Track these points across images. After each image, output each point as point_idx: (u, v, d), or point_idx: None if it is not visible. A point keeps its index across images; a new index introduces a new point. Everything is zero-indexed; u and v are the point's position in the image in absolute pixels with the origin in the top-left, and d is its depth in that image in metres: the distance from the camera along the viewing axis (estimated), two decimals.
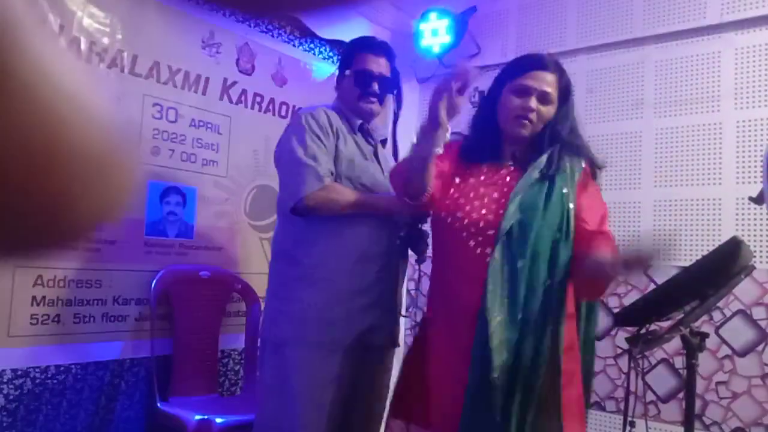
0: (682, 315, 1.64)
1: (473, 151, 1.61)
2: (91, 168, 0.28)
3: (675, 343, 2.28)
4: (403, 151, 3.29)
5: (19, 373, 1.96)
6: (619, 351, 2.60)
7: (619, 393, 2.57)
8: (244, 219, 2.64)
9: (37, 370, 2.00)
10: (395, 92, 2.07)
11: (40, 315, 2.02)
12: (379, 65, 1.91)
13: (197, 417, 1.99)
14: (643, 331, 1.65)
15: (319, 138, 1.76)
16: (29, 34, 0.24)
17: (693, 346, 1.62)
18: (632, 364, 1.69)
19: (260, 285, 2.48)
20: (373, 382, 1.87)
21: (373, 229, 1.79)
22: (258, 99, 2.69)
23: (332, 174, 1.76)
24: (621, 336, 2.65)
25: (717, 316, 2.36)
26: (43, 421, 2.00)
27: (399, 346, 1.96)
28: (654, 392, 2.46)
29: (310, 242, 1.77)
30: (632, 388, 2.11)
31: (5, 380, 1.92)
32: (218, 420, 2.00)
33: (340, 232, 1.76)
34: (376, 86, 1.89)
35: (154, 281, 2.26)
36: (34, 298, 2.00)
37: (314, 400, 1.69)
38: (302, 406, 1.68)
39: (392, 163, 2.07)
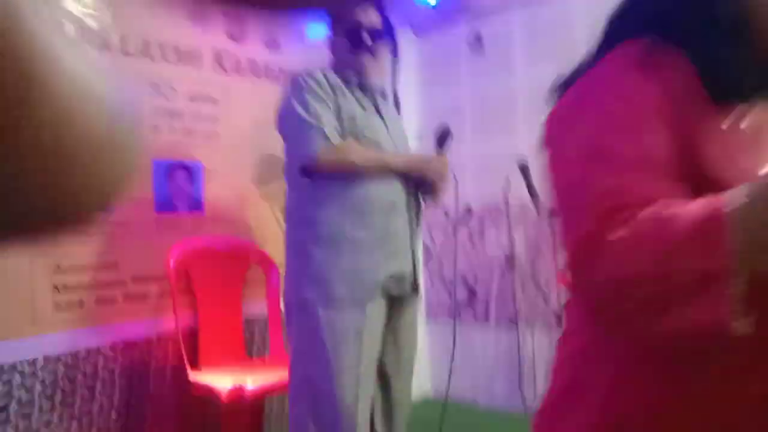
0: None
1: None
2: (97, 149, 0.28)
3: None
4: (405, 104, 3.26)
5: (51, 359, 2.01)
6: None
7: None
8: (252, 188, 2.64)
9: (68, 355, 2.05)
10: (391, 43, 2.03)
11: (63, 302, 2.05)
12: (369, 16, 1.87)
13: (230, 383, 2.03)
14: None
15: (320, 98, 1.75)
16: (27, 18, 0.23)
17: None
18: None
19: (276, 251, 2.50)
20: (401, 330, 1.90)
21: (384, 181, 1.79)
22: (252, 66, 2.66)
23: (339, 132, 1.75)
24: None
25: None
26: (80, 403, 2.06)
27: (420, 293, 1.96)
28: None
29: (322, 202, 1.77)
30: None
31: (39, 367, 1.97)
32: (250, 384, 2.04)
33: (350, 188, 1.75)
34: (367, 37, 1.86)
35: (171, 258, 2.28)
36: (55, 286, 2.03)
37: (345, 355, 1.71)
38: (334, 362, 1.71)
39: (395, 116, 2.04)
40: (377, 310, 1.78)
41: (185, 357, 2.24)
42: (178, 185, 2.38)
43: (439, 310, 3.44)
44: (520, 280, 3.10)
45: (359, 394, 1.71)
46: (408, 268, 1.86)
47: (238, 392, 2.02)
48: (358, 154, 1.74)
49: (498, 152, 3.13)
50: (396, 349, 1.91)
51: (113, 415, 2.13)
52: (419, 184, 1.90)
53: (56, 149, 0.25)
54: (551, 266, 2.96)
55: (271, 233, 2.64)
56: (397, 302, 1.88)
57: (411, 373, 1.99)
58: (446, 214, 3.35)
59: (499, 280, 3.18)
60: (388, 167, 1.78)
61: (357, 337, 1.72)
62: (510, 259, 3.12)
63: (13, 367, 1.92)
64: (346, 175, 1.74)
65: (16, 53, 0.23)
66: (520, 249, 3.09)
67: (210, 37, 2.50)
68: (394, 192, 1.81)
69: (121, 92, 0.30)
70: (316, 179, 1.76)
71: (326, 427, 1.71)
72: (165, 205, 2.34)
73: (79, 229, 0.30)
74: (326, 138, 1.71)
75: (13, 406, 1.90)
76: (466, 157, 3.26)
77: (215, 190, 2.49)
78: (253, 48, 2.66)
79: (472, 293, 3.30)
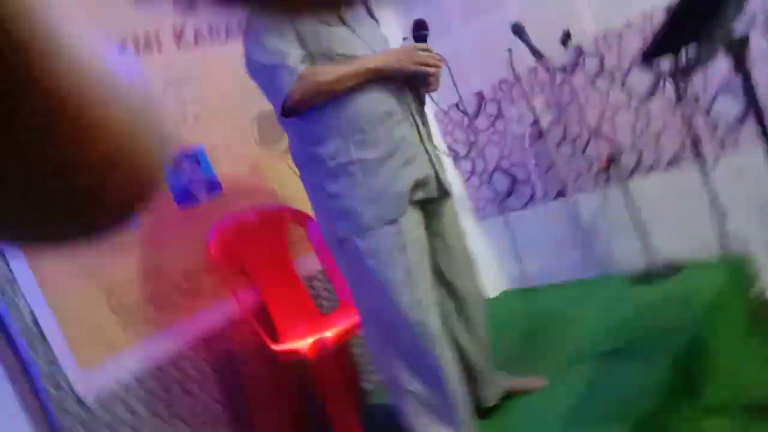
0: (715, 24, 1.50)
1: None
2: (126, 135, 0.25)
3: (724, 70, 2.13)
4: (379, 6, 3.10)
5: (141, 376, 2.06)
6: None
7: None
8: (260, 152, 2.59)
9: (153, 367, 2.09)
10: None
11: (128, 320, 2.09)
12: None
13: (310, 340, 2.05)
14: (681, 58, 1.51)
15: (276, 31, 1.65)
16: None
17: (738, 49, 1.47)
18: (686, 97, 1.57)
19: (306, 204, 2.48)
20: (445, 231, 1.86)
21: (373, 92, 1.70)
22: (214, 30, 2.55)
23: (304, 60, 1.66)
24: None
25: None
26: (183, 407, 2.12)
27: (452, 191, 1.90)
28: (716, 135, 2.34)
29: (319, 136, 1.71)
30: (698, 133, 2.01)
31: (132, 387, 2.03)
32: (328, 334, 2.05)
33: (341, 111, 1.68)
34: None
35: (211, 246, 2.27)
36: (111, 306, 2.06)
37: (396, 274, 1.69)
38: (388, 284, 1.69)
39: (369, 23, 1.91)
40: (412, 220, 1.74)
41: (261, 331, 2.27)
42: (189, 175, 2.35)
43: (487, 207, 3.38)
44: (554, 147, 2.99)
45: (424, 305, 1.70)
46: (429, 171, 1.79)
47: (320, 345, 2.03)
48: (327, 73, 1.65)
49: (490, 29, 2.97)
50: (447, 251, 1.87)
51: (218, 407, 2.19)
52: (411, 82, 1.80)
53: (78, 141, 0.23)
54: (581, 121, 2.84)
55: (295, 188, 2.60)
56: (431, 207, 1.83)
57: (471, 268, 1.95)
58: (458, 107, 3.24)
59: (535, 156, 3.08)
60: (365, 73, 1.67)
61: (402, 253, 1.69)
62: (538, 130, 3.01)
63: (107, 393, 1.97)
64: (329, 99, 1.66)
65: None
66: (544, 116, 2.97)
67: (160, 17, 2.40)
68: (387, 100, 1.72)
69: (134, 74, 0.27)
70: (304, 115, 1.69)
71: (404, 345, 1.71)
72: (184, 198, 2.32)
73: (116, 231, 0.27)
74: (292, 72, 1.62)
75: (124, 430, 1.97)
76: (459, 43, 3.11)
77: (226, 165, 2.45)
78: (207, 12, 2.54)
79: (513, 179, 3.22)
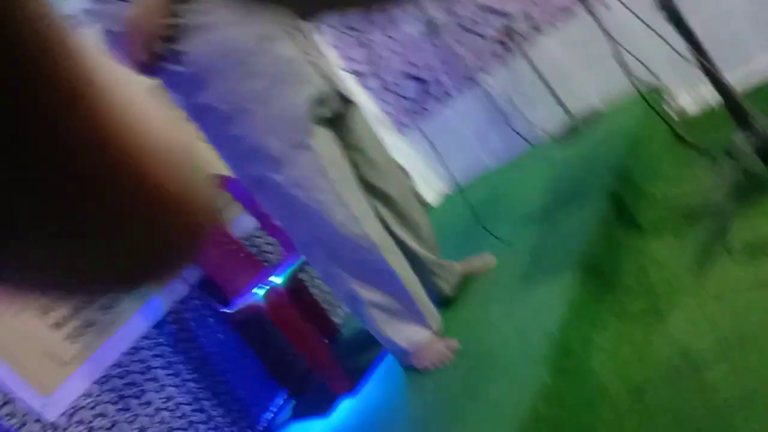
0: None
1: None
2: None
3: None
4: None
5: (102, 380, 2.00)
6: None
7: None
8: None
9: (114, 367, 2.03)
10: None
11: (74, 332, 2.00)
12: None
13: (261, 291, 2.01)
14: None
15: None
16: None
17: None
18: None
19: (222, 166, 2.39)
20: (359, 141, 1.81)
21: (240, 20, 1.60)
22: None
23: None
24: None
25: None
26: (154, 394, 2.07)
27: (356, 103, 1.84)
28: None
29: (199, 83, 1.60)
30: None
31: (96, 394, 1.97)
32: (278, 280, 2.02)
33: (209, 49, 1.57)
34: None
35: None
36: (55, 325, 1.98)
37: (323, 196, 1.64)
38: (318, 207, 1.65)
39: None
40: (324, 139, 1.68)
41: (213, 300, 2.22)
42: None
43: (403, 116, 3.33)
44: (450, 38, 2.94)
45: (359, 216, 1.66)
46: (325, 86, 1.72)
47: (273, 292, 2.00)
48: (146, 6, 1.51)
49: None
50: (367, 160, 1.82)
51: (191, 385, 2.16)
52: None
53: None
54: (469, 3, 2.80)
55: (201, 151, 2.51)
56: (340, 122, 1.78)
57: (396, 170, 1.92)
58: (349, 27, 3.14)
59: (435, 52, 3.03)
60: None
61: (323, 174, 1.64)
62: (430, 25, 2.95)
63: (75, 408, 1.91)
64: (177, 43, 1.55)
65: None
66: (432, 10, 2.91)
67: None
68: (256, 23, 1.62)
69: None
70: (176, 69, 1.58)
71: (352, 262, 1.69)
72: None
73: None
74: (116, 34, 1.51)
75: None
76: None
77: None
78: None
79: (420, 81, 3.17)
